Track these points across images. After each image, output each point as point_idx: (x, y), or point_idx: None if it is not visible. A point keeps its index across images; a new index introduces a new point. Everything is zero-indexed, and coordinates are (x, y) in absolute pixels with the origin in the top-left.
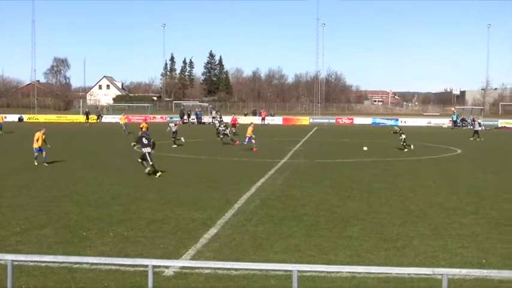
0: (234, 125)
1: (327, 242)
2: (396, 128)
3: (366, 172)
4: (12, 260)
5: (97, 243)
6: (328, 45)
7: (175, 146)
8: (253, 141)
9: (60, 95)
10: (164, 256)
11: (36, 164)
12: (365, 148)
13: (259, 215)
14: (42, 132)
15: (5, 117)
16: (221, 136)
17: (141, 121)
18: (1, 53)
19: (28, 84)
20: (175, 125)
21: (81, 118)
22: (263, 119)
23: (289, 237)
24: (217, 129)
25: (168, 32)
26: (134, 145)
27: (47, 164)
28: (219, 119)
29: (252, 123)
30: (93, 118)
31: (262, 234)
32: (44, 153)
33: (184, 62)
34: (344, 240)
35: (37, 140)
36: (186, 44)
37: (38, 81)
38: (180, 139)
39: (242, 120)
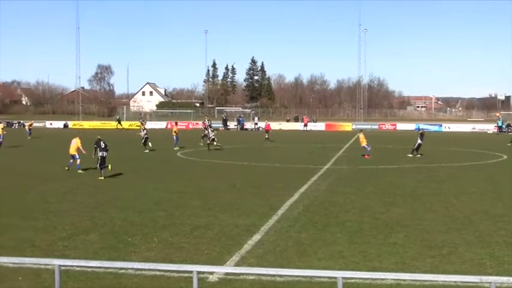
0: (267, 131)
1: (371, 248)
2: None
3: (410, 178)
4: (60, 265)
5: (141, 249)
6: (371, 50)
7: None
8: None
9: (104, 101)
10: (208, 262)
11: (66, 169)
12: (410, 155)
13: (302, 221)
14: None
15: (31, 124)
16: (208, 141)
17: (183, 127)
18: (47, 60)
19: (73, 91)
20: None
21: (125, 124)
22: (305, 125)
23: (332, 243)
24: (208, 135)
25: (210, 38)
26: (96, 149)
27: (81, 171)
28: (207, 122)
29: (361, 131)
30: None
31: (306, 240)
32: (78, 160)
33: (226, 68)
34: (388, 247)
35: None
36: (228, 50)
37: (83, 88)
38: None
39: (285, 126)
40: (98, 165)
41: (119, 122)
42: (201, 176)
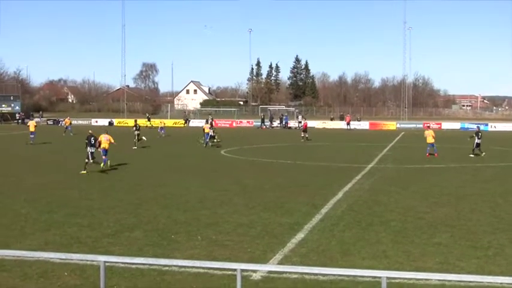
0: (305, 129)
1: (415, 248)
2: (474, 133)
3: (455, 178)
4: (105, 261)
5: (185, 246)
6: (416, 48)
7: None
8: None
9: (149, 99)
10: (252, 260)
11: (102, 165)
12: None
13: (346, 220)
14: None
15: (70, 122)
16: (207, 140)
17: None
18: (93, 59)
19: (118, 89)
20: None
21: (168, 122)
22: (348, 123)
23: (376, 243)
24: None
25: (254, 37)
26: (86, 144)
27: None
28: (210, 120)
29: (429, 127)
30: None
31: (350, 239)
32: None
33: (270, 66)
34: (433, 247)
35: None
36: (272, 48)
37: (128, 86)
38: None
39: (329, 125)
40: (86, 159)
41: (149, 120)
42: (244, 174)
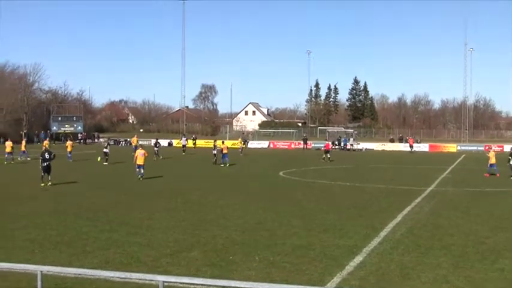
0: (327, 151)
1: (477, 274)
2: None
3: None
4: (164, 281)
5: (243, 268)
6: (477, 69)
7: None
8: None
9: (208, 120)
10: (309, 282)
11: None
12: None
13: (405, 244)
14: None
15: (137, 141)
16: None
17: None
18: (154, 80)
19: (177, 110)
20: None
21: (228, 143)
22: (411, 146)
23: (437, 267)
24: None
25: (313, 58)
26: (41, 159)
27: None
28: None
29: (491, 149)
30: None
31: (409, 263)
32: (142, 170)
33: (329, 88)
34: (495, 273)
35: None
36: (331, 70)
37: (187, 107)
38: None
39: (389, 146)
40: (42, 173)
41: (194, 141)
42: (303, 196)
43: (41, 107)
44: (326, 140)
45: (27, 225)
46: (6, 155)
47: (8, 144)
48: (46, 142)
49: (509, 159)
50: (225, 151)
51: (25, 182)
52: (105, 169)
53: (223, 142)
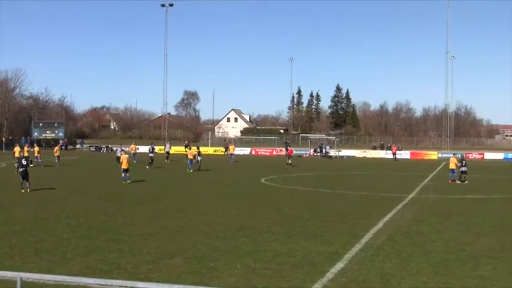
0: (289, 156)
1: (456, 280)
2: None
3: (498, 209)
4: None
5: (224, 274)
6: (458, 77)
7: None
8: None
9: (190, 127)
10: None
11: (124, 183)
12: None
13: (386, 251)
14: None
15: (138, 148)
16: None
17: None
18: (136, 87)
19: (159, 117)
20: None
21: (209, 150)
22: (394, 153)
23: (417, 274)
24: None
25: (295, 65)
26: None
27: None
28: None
29: (454, 154)
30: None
31: (390, 270)
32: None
33: (311, 95)
34: (475, 280)
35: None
36: (313, 77)
37: (169, 113)
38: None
39: (370, 154)
40: (21, 179)
41: (186, 147)
42: (284, 203)
43: (22, 112)
44: (289, 146)
45: (7, 232)
46: None
47: None
48: (26, 149)
49: (459, 166)
50: (190, 157)
51: (5, 189)
52: (87, 175)
53: (190, 148)
